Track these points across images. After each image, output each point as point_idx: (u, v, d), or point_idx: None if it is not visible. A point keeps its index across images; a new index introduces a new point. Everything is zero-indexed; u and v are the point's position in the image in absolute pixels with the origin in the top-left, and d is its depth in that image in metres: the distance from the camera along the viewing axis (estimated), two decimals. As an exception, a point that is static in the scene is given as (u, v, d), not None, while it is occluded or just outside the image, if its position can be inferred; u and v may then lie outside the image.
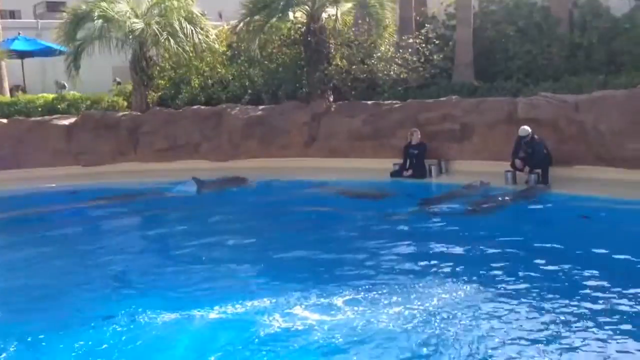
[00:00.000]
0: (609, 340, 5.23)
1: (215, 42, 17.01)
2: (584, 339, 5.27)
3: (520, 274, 6.92)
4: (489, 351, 5.08)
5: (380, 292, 6.41)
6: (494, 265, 7.25)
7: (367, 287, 6.56)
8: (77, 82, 16.53)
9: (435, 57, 14.84)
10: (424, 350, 5.12)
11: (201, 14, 17.06)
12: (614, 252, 7.57)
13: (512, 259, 7.53)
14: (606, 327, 5.45)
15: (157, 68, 17.45)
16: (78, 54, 16.26)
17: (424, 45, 15.06)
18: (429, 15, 17.04)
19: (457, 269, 7.17)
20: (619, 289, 6.26)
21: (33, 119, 16.22)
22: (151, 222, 11.19)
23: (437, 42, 15.36)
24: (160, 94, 17.40)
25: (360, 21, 15.95)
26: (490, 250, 7.86)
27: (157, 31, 15.70)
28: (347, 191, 11.83)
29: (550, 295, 6.23)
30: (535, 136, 11.33)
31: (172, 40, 15.95)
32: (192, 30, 16.19)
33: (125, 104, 17.66)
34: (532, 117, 11.85)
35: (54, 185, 14.14)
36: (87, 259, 8.48)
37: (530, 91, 12.93)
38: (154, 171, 14.95)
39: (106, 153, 15.85)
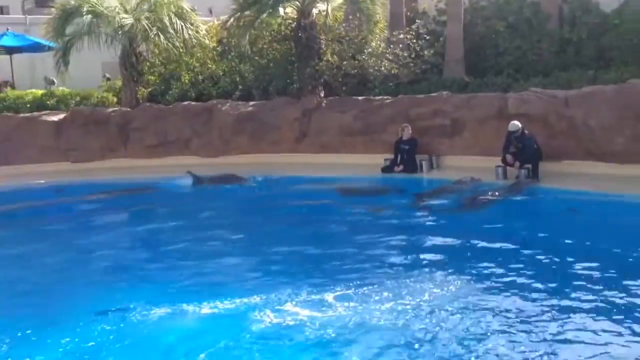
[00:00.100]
0: (599, 332, 5.26)
1: (206, 37, 16.97)
2: (575, 329, 5.31)
3: (511, 267, 6.95)
4: (481, 345, 5.09)
5: (371, 287, 6.41)
6: (484, 259, 7.27)
7: (358, 282, 6.56)
8: (66, 78, 16.45)
9: (426, 52, 14.87)
10: (416, 345, 5.13)
11: (191, 10, 17.00)
12: (602, 244, 7.64)
13: (501, 252, 7.56)
14: (596, 318, 5.50)
15: (147, 64, 17.38)
16: (67, 50, 16.18)
17: (414, 40, 15.08)
18: (420, 11, 17.07)
19: (449, 263, 7.19)
20: (607, 280, 6.34)
21: (22, 115, 16.13)
22: (143, 217, 11.16)
23: (427, 37, 15.39)
24: (150, 89, 17.32)
25: (350, 17, 15.94)
26: (481, 245, 7.88)
27: (146, 27, 15.63)
28: (348, 188, 11.78)
29: (540, 287, 6.27)
30: (526, 131, 11.36)
31: (162, 36, 15.89)
32: (182, 26, 16.14)
33: (115, 100, 17.58)
34: (523, 113, 11.89)
35: (42, 181, 14.07)
36: (79, 254, 8.46)
37: (521, 86, 12.97)
38: (144, 167, 14.90)
39: (96, 149, 15.79)
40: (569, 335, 5.22)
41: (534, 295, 6.09)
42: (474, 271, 6.85)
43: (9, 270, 7.90)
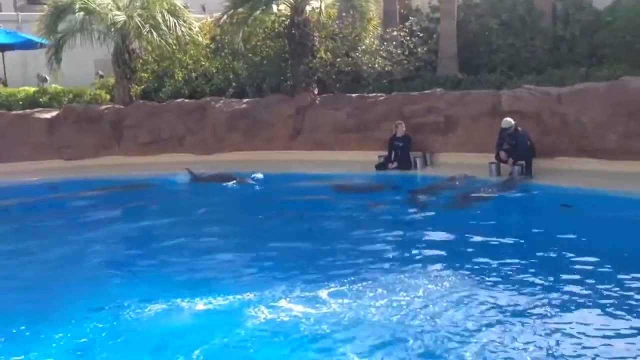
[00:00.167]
0: (593, 324, 5.31)
1: (199, 34, 16.90)
2: (569, 322, 5.35)
3: (504, 262, 6.99)
4: (475, 339, 5.11)
5: (365, 283, 6.43)
6: (478, 255, 7.30)
7: (352, 278, 6.56)
8: (59, 75, 16.35)
9: (419, 49, 14.88)
10: (410, 341, 5.14)
11: (184, 7, 16.94)
12: (595, 239, 7.71)
13: (495, 248, 7.59)
14: (590, 311, 5.57)
15: (140, 61, 17.31)
16: (59, 47, 16.09)
17: (408, 38, 15.10)
18: (413, 8, 17.10)
19: (443, 259, 7.22)
20: (600, 275, 6.40)
21: (14, 112, 16.07)
22: (137, 214, 11.07)
23: (421, 34, 15.41)
24: (143, 87, 17.27)
25: (344, 14, 15.94)
26: (474, 241, 7.91)
27: (139, 24, 15.56)
28: (342, 185, 11.76)
29: (534, 282, 6.32)
30: (519, 128, 11.40)
31: (154, 33, 15.81)
32: (175, 23, 16.07)
33: (108, 97, 17.53)
34: (516, 110, 11.93)
35: (35, 178, 14.02)
36: (73, 250, 8.42)
37: (514, 84, 13.01)
38: (138, 165, 14.86)
39: (89, 147, 15.73)
40: (564, 329, 5.25)
41: (528, 289, 6.13)
42: (467, 267, 6.87)
43: (2, 266, 7.86)
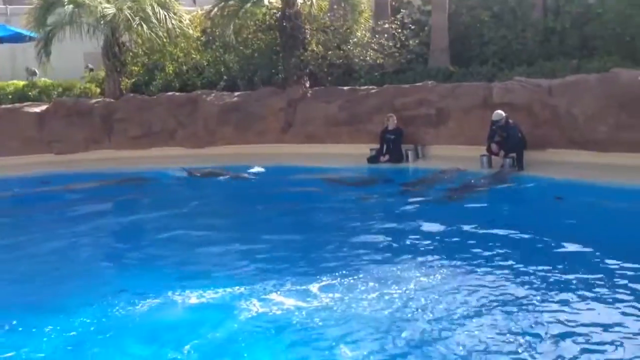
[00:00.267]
0: (585, 312, 5.38)
1: (189, 27, 16.83)
2: (562, 311, 5.40)
3: (496, 253, 7.01)
4: (468, 331, 5.13)
5: (357, 276, 6.43)
6: (470, 247, 7.32)
7: (344, 271, 6.56)
8: (48, 68, 16.28)
9: (411, 42, 14.87)
10: (402, 334, 5.14)
11: (174, -1, 16.84)
12: (587, 230, 7.77)
13: (487, 240, 7.59)
14: (581, 300, 5.60)
15: (130, 54, 17.22)
16: (49, 40, 15.99)
17: (399, 30, 15.08)
18: (404, 0, 17.03)
19: (435, 252, 7.23)
20: (593, 264, 6.45)
21: (3, 106, 15.95)
22: (129, 207, 11.06)
23: (412, 27, 15.40)
24: (133, 80, 17.18)
25: (335, 6, 15.90)
26: (466, 233, 7.92)
27: (129, 16, 15.46)
28: (334, 178, 11.73)
29: (527, 271, 6.35)
30: (510, 120, 11.41)
31: (144, 26, 15.72)
32: (165, 16, 15.99)
33: (98, 90, 17.43)
34: (507, 102, 11.94)
35: (26, 173, 13.93)
36: (66, 244, 8.37)
37: (505, 76, 13.03)
38: (129, 159, 14.80)
39: (79, 141, 15.65)
40: (558, 317, 5.28)
41: (520, 280, 6.16)
42: (459, 259, 6.88)
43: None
